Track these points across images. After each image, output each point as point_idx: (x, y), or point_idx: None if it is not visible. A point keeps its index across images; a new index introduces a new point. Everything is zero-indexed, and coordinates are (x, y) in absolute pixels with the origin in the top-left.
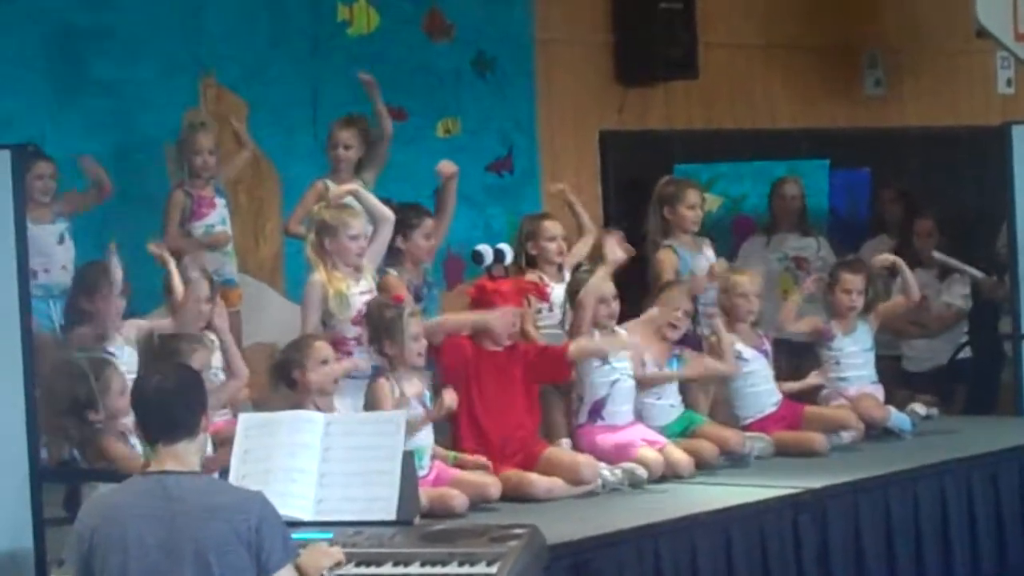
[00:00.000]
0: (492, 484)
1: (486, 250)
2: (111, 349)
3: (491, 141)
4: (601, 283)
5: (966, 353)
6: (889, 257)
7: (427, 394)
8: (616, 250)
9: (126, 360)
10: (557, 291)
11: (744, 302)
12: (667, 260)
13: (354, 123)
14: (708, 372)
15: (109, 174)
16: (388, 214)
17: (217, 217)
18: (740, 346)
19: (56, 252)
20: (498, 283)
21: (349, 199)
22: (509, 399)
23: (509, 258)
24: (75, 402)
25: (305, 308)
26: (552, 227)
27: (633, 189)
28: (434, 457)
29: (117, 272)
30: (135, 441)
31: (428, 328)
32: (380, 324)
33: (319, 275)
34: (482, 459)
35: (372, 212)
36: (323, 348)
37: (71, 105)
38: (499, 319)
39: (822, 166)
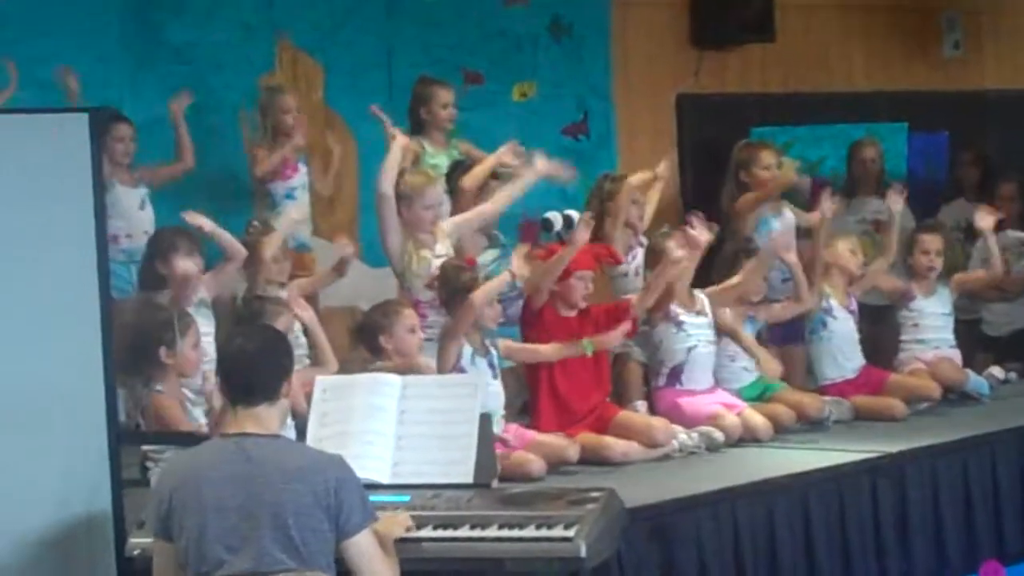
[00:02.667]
0: (570, 446)
1: (556, 217)
2: (190, 310)
3: (567, 105)
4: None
5: None
6: (983, 224)
7: (494, 353)
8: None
9: (201, 321)
10: (640, 256)
11: (852, 258)
12: (750, 217)
13: (448, 84)
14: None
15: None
16: (493, 211)
17: (298, 181)
18: (833, 301)
19: (138, 217)
20: None
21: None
22: (583, 364)
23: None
24: (152, 337)
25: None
26: (633, 190)
27: (709, 153)
28: (505, 417)
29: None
30: (198, 413)
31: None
32: (453, 288)
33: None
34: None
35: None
36: (411, 316)
37: (147, 70)
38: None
39: (900, 129)
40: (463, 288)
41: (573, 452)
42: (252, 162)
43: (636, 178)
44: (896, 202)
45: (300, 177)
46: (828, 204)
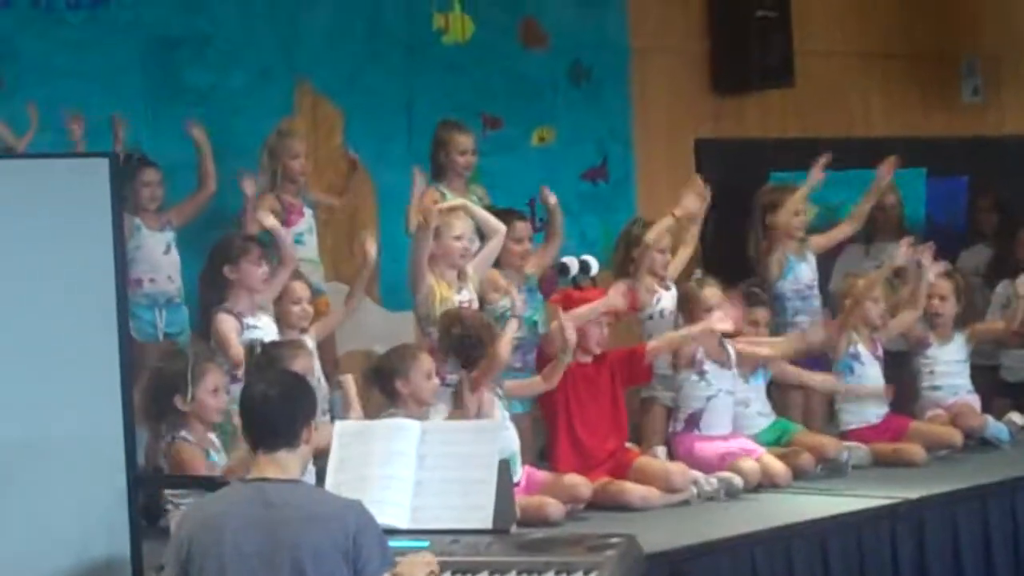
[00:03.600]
0: (582, 484)
1: (572, 262)
2: (252, 322)
3: (586, 150)
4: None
5: None
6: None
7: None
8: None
9: (268, 330)
10: (666, 299)
11: (874, 306)
12: (775, 262)
13: (469, 130)
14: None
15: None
16: (499, 226)
17: (305, 226)
18: (860, 347)
19: (162, 261)
20: (585, 292)
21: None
22: (600, 408)
23: (595, 269)
24: (167, 385)
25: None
26: (660, 239)
27: (728, 198)
28: (523, 463)
29: (252, 189)
30: (217, 457)
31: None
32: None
33: (430, 281)
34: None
35: (484, 225)
36: (428, 361)
37: (167, 113)
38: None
39: (919, 174)
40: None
41: (585, 490)
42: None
43: (653, 234)
44: (926, 257)
45: (306, 221)
46: (904, 251)
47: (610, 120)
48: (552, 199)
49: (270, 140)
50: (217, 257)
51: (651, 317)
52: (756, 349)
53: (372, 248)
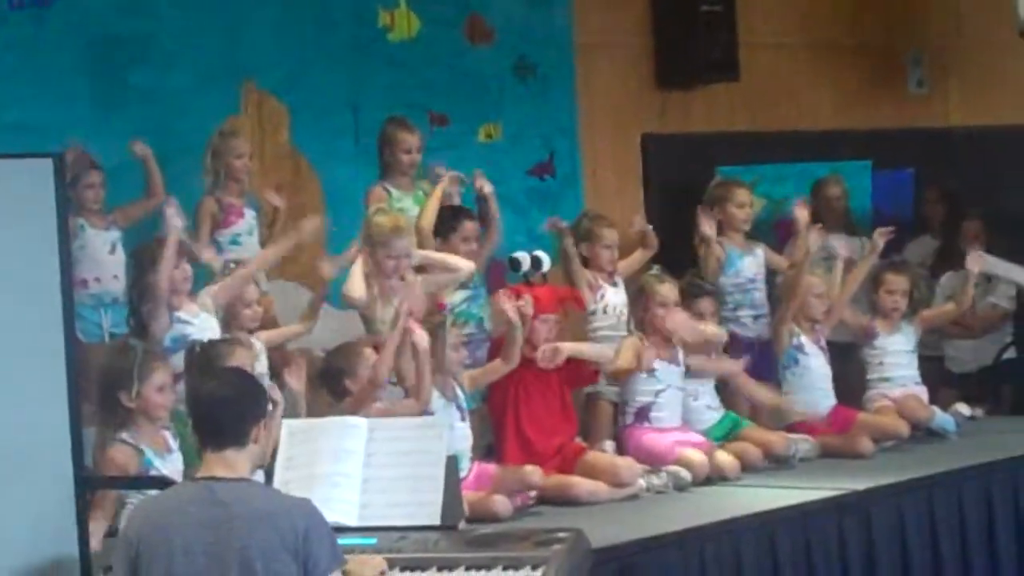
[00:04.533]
0: (534, 471)
1: (524, 257)
2: (185, 316)
3: (533, 146)
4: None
5: (1011, 354)
6: (975, 271)
7: (460, 395)
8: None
9: (205, 327)
10: (610, 294)
11: (817, 302)
12: (711, 255)
13: (416, 129)
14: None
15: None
16: (459, 266)
17: (245, 227)
18: (803, 338)
19: (108, 261)
20: (535, 289)
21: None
22: (548, 405)
23: (547, 265)
24: (114, 383)
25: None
26: (610, 236)
27: (675, 192)
28: (473, 459)
29: (177, 220)
30: (156, 460)
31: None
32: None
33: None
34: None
35: (443, 265)
36: (372, 356)
37: (112, 113)
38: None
39: (865, 167)
40: (430, 331)
41: (536, 476)
42: (197, 211)
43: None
44: (881, 241)
45: (246, 223)
46: (814, 236)
47: (556, 116)
48: (487, 187)
49: (213, 140)
50: (140, 263)
51: (593, 313)
52: (710, 366)
53: (328, 271)
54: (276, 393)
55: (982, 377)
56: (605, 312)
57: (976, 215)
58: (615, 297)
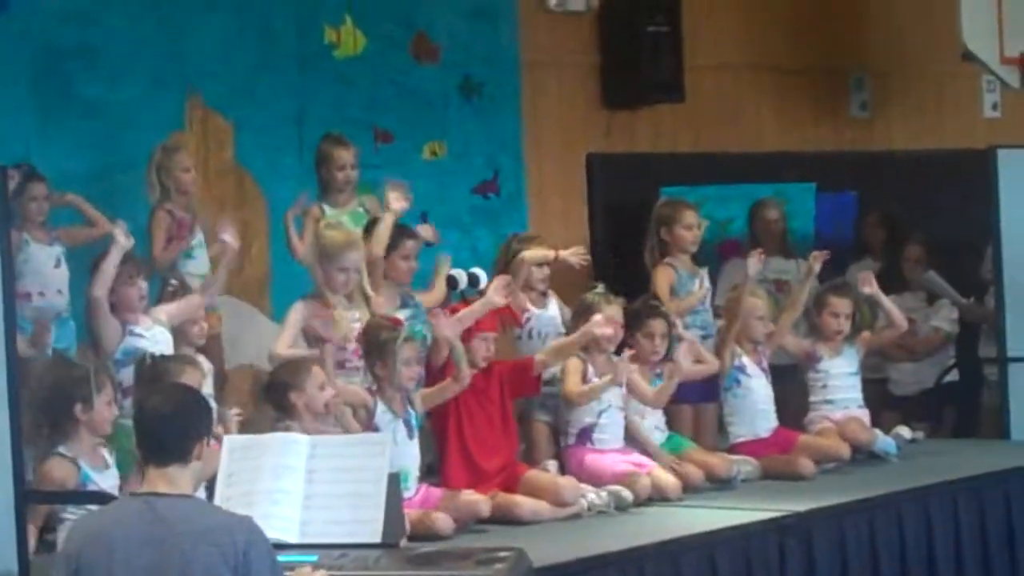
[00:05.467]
0: (482, 502)
1: (460, 275)
2: (139, 330)
3: (477, 164)
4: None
5: (953, 376)
6: (868, 290)
7: (412, 412)
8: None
9: (158, 340)
10: (537, 315)
11: (760, 324)
12: (663, 276)
13: (351, 145)
14: (691, 374)
15: (96, 205)
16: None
17: (196, 241)
18: (746, 359)
19: (52, 275)
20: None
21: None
22: (491, 422)
23: (483, 282)
24: (66, 395)
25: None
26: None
27: (620, 212)
28: (421, 480)
29: (124, 239)
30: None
31: None
32: (374, 345)
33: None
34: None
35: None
36: (320, 373)
37: (56, 125)
38: None
39: (808, 189)
40: (383, 346)
41: (485, 507)
42: (152, 223)
43: (532, 255)
44: (816, 264)
45: (197, 237)
46: (755, 261)
47: (501, 134)
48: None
49: (156, 155)
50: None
51: (519, 338)
52: (643, 387)
53: (230, 236)
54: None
55: (924, 400)
56: (531, 337)
57: (919, 239)
58: (546, 325)
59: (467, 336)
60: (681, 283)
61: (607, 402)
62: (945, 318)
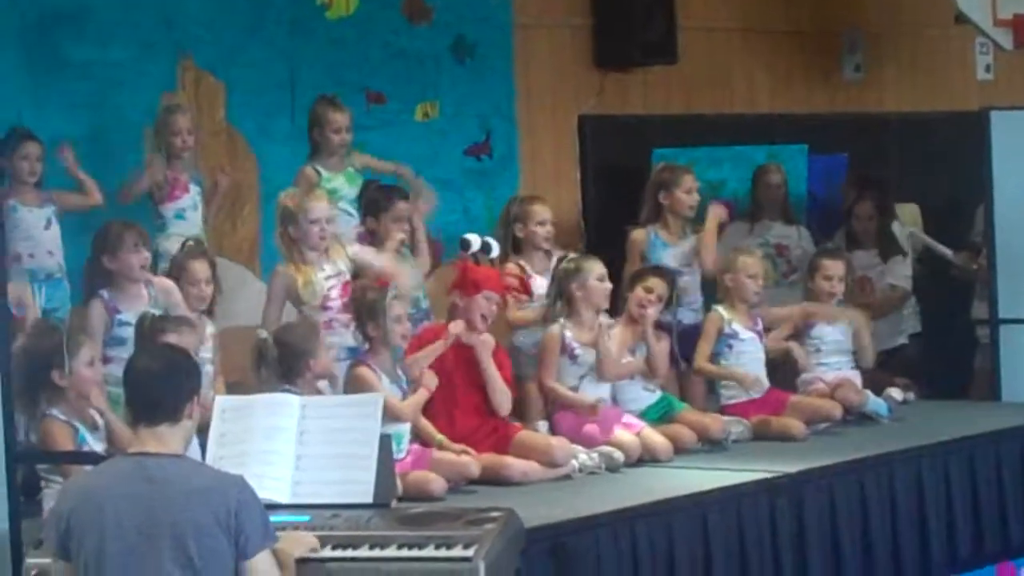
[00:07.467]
0: (472, 463)
1: (474, 239)
2: (126, 318)
3: (469, 125)
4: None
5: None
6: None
7: (403, 376)
8: None
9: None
10: (539, 282)
11: (752, 283)
12: (635, 241)
13: (346, 108)
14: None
15: (88, 172)
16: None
17: (189, 202)
18: (736, 325)
19: (43, 236)
20: (483, 267)
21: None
22: (481, 386)
23: (495, 253)
24: (44, 361)
25: (268, 300)
26: (542, 211)
27: (611, 174)
28: (413, 440)
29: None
30: (88, 435)
31: None
32: (363, 306)
33: (283, 266)
34: (468, 449)
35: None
36: (324, 336)
37: (48, 87)
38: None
39: (801, 151)
40: (372, 306)
41: (475, 468)
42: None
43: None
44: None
45: (191, 198)
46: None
47: (494, 96)
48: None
49: (159, 117)
50: (96, 246)
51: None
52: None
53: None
54: None
55: (886, 359)
56: (532, 302)
57: (868, 197)
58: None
59: (471, 292)
60: (653, 249)
61: (585, 368)
62: (900, 275)
